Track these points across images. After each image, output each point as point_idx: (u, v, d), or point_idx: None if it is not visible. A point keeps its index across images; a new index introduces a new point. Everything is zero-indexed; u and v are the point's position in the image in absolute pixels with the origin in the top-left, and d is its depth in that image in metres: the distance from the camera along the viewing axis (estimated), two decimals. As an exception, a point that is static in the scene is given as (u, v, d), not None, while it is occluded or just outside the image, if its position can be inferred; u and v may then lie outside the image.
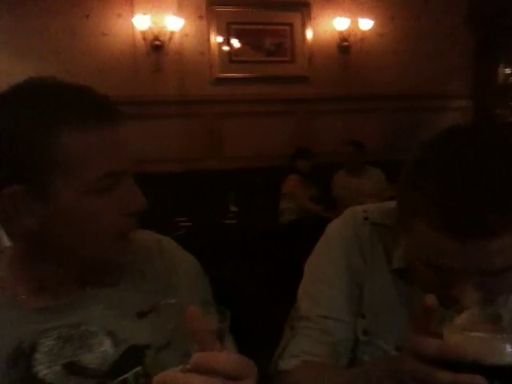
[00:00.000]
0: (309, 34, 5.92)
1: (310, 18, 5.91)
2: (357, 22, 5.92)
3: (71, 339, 0.83)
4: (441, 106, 5.95)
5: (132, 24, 5.42)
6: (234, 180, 5.57)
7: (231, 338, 0.91)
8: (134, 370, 0.84)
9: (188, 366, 0.59)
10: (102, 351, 0.84)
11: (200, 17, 5.66)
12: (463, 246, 0.73)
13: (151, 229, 1.00)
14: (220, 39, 5.73)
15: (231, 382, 0.58)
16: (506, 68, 6.08)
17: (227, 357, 0.60)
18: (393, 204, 0.96)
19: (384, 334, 0.93)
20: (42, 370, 0.81)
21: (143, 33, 5.38)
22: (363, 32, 5.94)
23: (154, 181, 5.49)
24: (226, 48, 5.76)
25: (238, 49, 5.81)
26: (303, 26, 5.90)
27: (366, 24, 5.92)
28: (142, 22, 5.36)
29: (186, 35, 5.62)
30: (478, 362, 0.62)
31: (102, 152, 0.80)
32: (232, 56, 5.79)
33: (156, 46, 5.41)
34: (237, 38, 5.78)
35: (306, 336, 0.99)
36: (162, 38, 5.41)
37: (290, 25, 5.90)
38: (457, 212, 0.72)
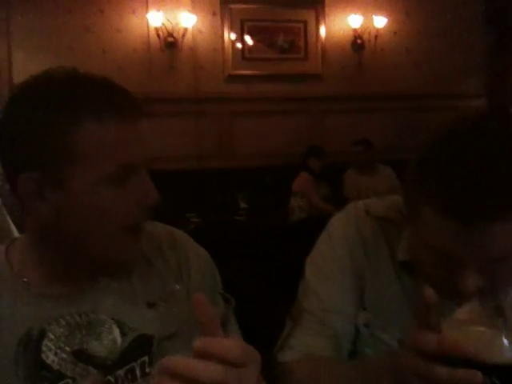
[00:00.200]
0: (322, 31, 5.90)
1: (323, 16, 5.89)
2: (371, 20, 5.89)
3: (80, 327, 0.84)
4: (455, 105, 5.90)
5: (146, 20, 5.45)
6: (245, 178, 5.58)
7: (236, 326, 0.92)
8: (140, 360, 0.85)
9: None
10: (110, 339, 0.85)
11: (214, 13, 5.67)
12: (467, 229, 0.75)
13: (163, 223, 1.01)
14: (233, 36, 5.73)
15: (234, 368, 0.57)
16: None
17: (231, 343, 0.59)
18: (394, 198, 1.00)
19: (386, 326, 0.94)
20: (50, 356, 0.82)
21: (157, 29, 5.40)
22: (377, 29, 5.90)
23: (167, 178, 5.47)
24: (239, 45, 5.76)
25: (252, 46, 5.81)
26: (317, 24, 5.88)
27: (380, 21, 5.89)
28: (156, 19, 5.38)
29: (200, 32, 5.63)
30: (476, 358, 0.62)
31: (120, 144, 0.81)
32: (245, 53, 5.79)
33: (170, 42, 5.43)
34: (250, 35, 5.78)
35: (307, 329, 1.00)
36: (175, 35, 5.43)
37: (304, 22, 5.88)
38: (462, 196, 0.74)
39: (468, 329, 0.65)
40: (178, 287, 0.87)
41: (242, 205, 5.40)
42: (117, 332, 0.85)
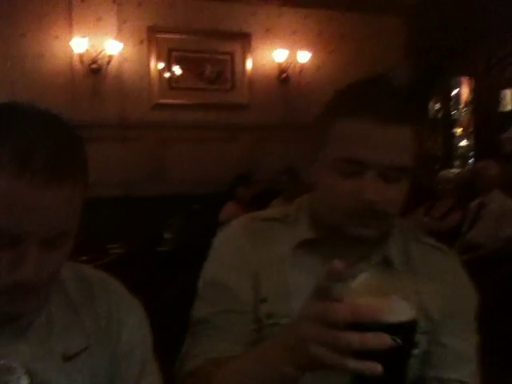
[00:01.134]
0: (249, 63, 6.02)
1: (250, 49, 6.02)
2: (296, 55, 6.08)
3: None
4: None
5: (70, 47, 5.34)
6: (171, 206, 5.51)
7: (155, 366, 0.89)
8: None
9: None
10: None
11: (141, 42, 5.65)
12: (374, 131, 0.88)
13: (80, 255, 0.95)
14: (160, 65, 5.72)
15: None
16: (436, 103, 6.39)
17: None
18: (276, 210, 1.10)
19: (290, 312, 0.94)
20: None
21: (81, 55, 5.30)
22: (302, 64, 6.10)
23: (91, 205, 5.37)
24: (166, 74, 5.76)
25: (179, 76, 5.82)
26: (244, 56, 6.00)
27: (305, 56, 6.09)
28: (80, 45, 5.29)
29: (126, 60, 5.59)
30: (380, 320, 0.65)
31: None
32: (172, 82, 5.79)
33: (94, 69, 5.34)
34: (177, 64, 5.80)
35: (205, 336, 0.99)
36: (100, 62, 5.35)
37: (231, 54, 5.98)
38: (373, 105, 0.89)
39: (367, 296, 0.68)
40: (97, 346, 0.81)
41: (167, 235, 5.32)
42: (25, 383, 0.78)
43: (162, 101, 5.71)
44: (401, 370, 0.69)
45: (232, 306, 0.99)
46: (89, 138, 5.15)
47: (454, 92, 6.13)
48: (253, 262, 1.01)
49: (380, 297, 0.68)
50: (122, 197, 5.46)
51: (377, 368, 0.64)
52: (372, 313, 0.65)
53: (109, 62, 5.38)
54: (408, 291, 0.69)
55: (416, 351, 0.92)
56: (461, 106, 6.08)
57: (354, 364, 0.64)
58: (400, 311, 0.67)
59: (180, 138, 5.77)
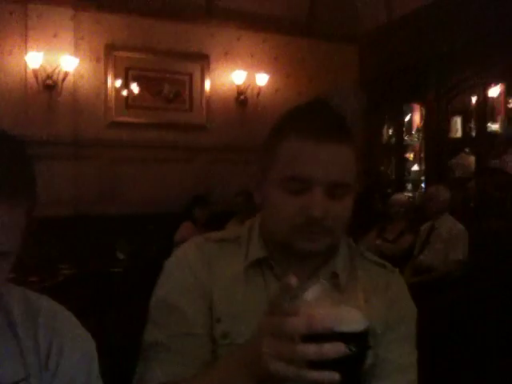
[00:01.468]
0: (207, 84, 6.04)
1: (208, 70, 6.05)
2: (254, 77, 6.14)
3: None
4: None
5: (24, 61, 5.23)
6: (126, 226, 5.42)
7: None
8: None
9: None
10: None
11: (97, 59, 5.59)
12: (317, 148, 0.95)
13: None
14: (117, 83, 5.67)
15: None
16: (389, 129, 6.55)
17: None
18: (231, 229, 1.16)
19: (244, 331, 0.95)
20: None
21: (35, 71, 5.20)
22: (260, 87, 6.17)
23: (43, 224, 5.24)
24: (123, 93, 5.71)
25: (136, 94, 5.78)
26: (202, 77, 6.02)
27: (263, 79, 6.16)
28: (34, 60, 5.19)
29: (82, 77, 5.51)
30: (334, 330, 0.67)
31: None
32: (129, 101, 5.74)
33: (48, 85, 5.24)
34: (135, 83, 5.76)
35: (158, 360, 0.98)
36: (55, 78, 5.26)
37: (189, 74, 5.99)
38: (315, 124, 0.97)
39: (320, 307, 0.70)
40: (35, 378, 0.78)
41: (120, 256, 5.22)
42: None
43: (118, 119, 5.65)
44: (356, 377, 0.71)
45: (185, 328, 0.99)
46: (41, 155, 5.07)
47: (407, 118, 6.31)
48: (205, 283, 1.02)
49: (332, 307, 0.70)
50: (74, 216, 5.34)
51: (334, 377, 0.66)
52: (326, 323, 0.67)
53: (64, 79, 5.29)
54: (359, 301, 0.72)
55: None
56: (413, 132, 6.25)
57: (311, 375, 0.67)
58: (353, 320, 0.70)
59: (136, 158, 5.71)
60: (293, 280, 0.70)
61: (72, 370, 0.83)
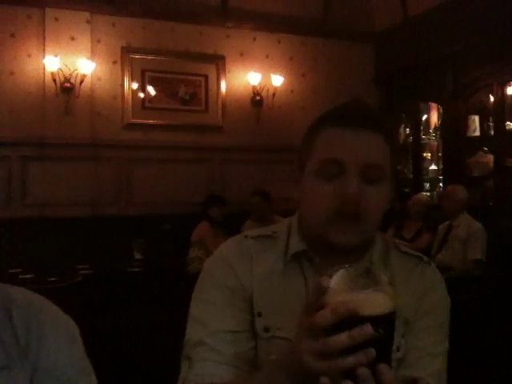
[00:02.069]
0: (223, 85, 6.06)
1: (224, 71, 6.07)
2: (269, 78, 6.15)
3: None
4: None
5: (43, 64, 5.31)
6: (142, 226, 5.46)
7: None
8: None
9: None
10: None
11: (114, 62, 5.64)
12: (352, 134, 0.99)
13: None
14: (134, 85, 5.72)
15: None
16: (406, 128, 6.51)
17: None
18: (265, 228, 1.14)
19: (286, 324, 0.98)
20: None
21: (53, 74, 5.27)
22: (275, 87, 6.17)
23: (62, 225, 5.34)
24: (140, 94, 5.76)
25: (152, 96, 5.82)
26: (218, 78, 6.04)
27: (278, 80, 6.16)
28: (52, 63, 5.26)
29: (99, 79, 5.57)
30: (360, 314, 0.68)
31: None
32: (145, 102, 5.78)
33: (66, 88, 5.31)
34: (151, 85, 5.80)
35: (203, 360, 0.99)
36: (72, 81, 5.32)
37: (205, 76, 6.02)
38: (349, 114, 1.03)
39: (345, 292, 0.71)
40: (17, 365, 0.78)
41: (137, 255, 5.26)
42: None
43: (134, 121, 5.69)
44: (385, 361, 0.71)
45: (226, 326, 1.01)
46: (59, 157, 5.15)
47: (424, 117, 6.26)
48: (246, 280, 1.04)
49: (357, 291, 0.71)
50: (92, 217, 5.40)
51: (370, 353, 0.68)
52: (351, 308, 0.68)
53: (81, 82, 5.35)
54: (383, 284, 0.73)
55: (398, 355, 0.99)
56: (430, 131, 6.20)
57: (347, 361, 0.68)
58: (378, 303, 0.70)
59: (152, 159, 5.75)
60: (326, 281, 0.72)
61: (55, 356, 0.85)
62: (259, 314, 1.02)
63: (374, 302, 0.70)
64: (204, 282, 1.07)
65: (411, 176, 6.40)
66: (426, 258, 1.12)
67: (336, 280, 0.73)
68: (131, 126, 5.68)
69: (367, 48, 6.73)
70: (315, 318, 0.71)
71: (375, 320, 0.69)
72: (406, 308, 1.00)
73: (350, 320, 0.68)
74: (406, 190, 6.11)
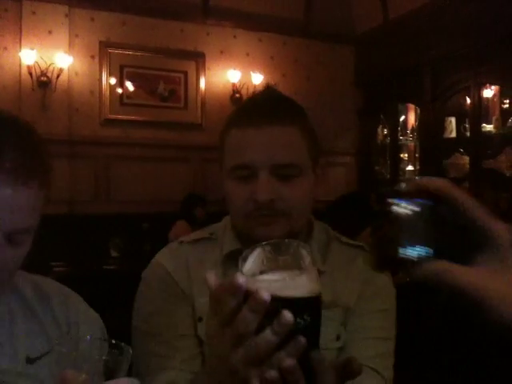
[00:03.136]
0: (202, 82, 6.02)
1: (204, 68, 6.03)
2: (249, 76, 6.13)
3: None
4: (327, 161, 6.25)
5: (19, 58, 5.21)
6: (120, 225, 5.40)
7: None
8: None
9: None
10: None
11: (92, 56, 5.57)
12: (258, 132, 0.97)
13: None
14: (112, 81, 5.65)
15: None
16: (384, 129, 6.56)
17: None
18: (203, 230, 1.14)
19: None
20: None
21: (29, 68, 5.17)
22: (255, 86, 6.15)
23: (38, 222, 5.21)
24: (118, 90, 5.69)
25: (131, 92, 5.76)
26: (197, 75, 6.01)
27: (258, 78, 6.15)
28: (28, 57, 5.16)
29: (76, 74, 5.49)
30: (283, 297, 0.60)
31: None
32: (124, 98, 5.72)
33: (43, 82, 5.22)
34: (130, 81, 5.74)
35: (156, 370, 0.98)
36: (49, 75, 5.23)
37: (184, 73, 5.98)
38: (252, 113, 1.01)
39: (263, 275, 0.63)
40: (63, 349, 0.79)
41: (113, 253, 5.20)
42: None
43: (112, 116, 5.62)
44: (315, 347, 0.64)
45: (176, 331, 1.00)
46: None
47: (402, 118, 6.32)
48: (184, 285, 1.03)
49: (276, 272, 0.63)
50: (68, 214, 5.32)
51: (300, 345, 0.61)
52: (266, 300, 0.60)
53: (58, 76, 5.27)
54: (306, 262, 0.64)
55: (338, 344, 0.97)
56: (408, 132, 6.26)
57: (280, 360, 0.61)
58: (301, 285, 0.62)
59: (130, 156, 5.69)
60: (240, 279, 0.63)
61: (88, 343, 0.87)
62: (199, 319, 1.00)
63: (297, 285, 0.62)
64: (145, 293, 1.06)
65: (388, 176, 6.45)
66: (365, 247, 1.10)
67: (252, 259, 0.65)
68: (109, 122, 5.61)
69: (348, 50, 6.76)
70: (237, 326, 0.62)
71: (297, 306, 0.61)
72: (348, 295, 1.00)
73: (271, 311, 0.60)
74: (384, 190, 6.15)
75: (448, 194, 0.56)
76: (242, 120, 1.01)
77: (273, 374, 0.61)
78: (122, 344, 0.66)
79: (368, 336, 1.01)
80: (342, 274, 1.03)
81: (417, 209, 0.56)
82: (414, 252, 0.54)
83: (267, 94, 1.10)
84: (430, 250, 0.55)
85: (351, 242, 1.13)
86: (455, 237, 0.56)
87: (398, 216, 0.56)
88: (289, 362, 0.60)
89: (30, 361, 0.82)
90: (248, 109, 1.05)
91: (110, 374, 0.65)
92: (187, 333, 1.00)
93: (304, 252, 0.65)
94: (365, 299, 1.03)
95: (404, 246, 0.55)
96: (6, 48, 5.24)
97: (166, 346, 0.98)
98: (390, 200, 0.56)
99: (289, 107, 1.05)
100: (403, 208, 0.56)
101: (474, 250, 0.56)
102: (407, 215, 0.55)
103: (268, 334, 0.61)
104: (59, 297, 0.94)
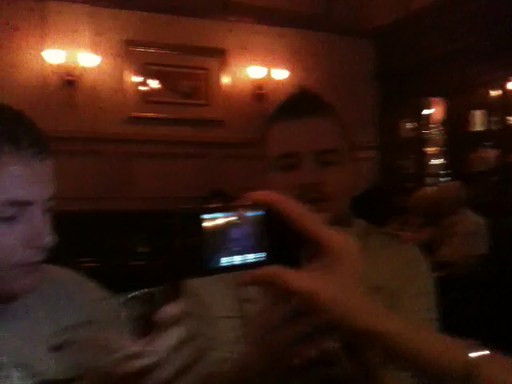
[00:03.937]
0: (224, 79, 6.03)
1: (225, 64, 6.04)
2: (271, 72, 6.12)
3: None
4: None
5: (44, 58, 5.28)
6: (144, 221, 5.45)
7: None
8: None
9: None
10: None
11: (116, 55, 5.62)
12: (299, 122, 1.05)
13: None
14: (136, 79, 5.70)
15: None
16: (407, 123, 6.49)
17: None
18: None
19: None
20: None
21: (54, 67, 5.24)
22: (277, 81, 6.14)
23: (62, 219, 5.30)
24: (141, 88, 5.73)
25: (154, 89, 5.80)
26: (219, 72, 6.02)
27: (280, 74, 6.13)
28: (54, 56, 5.24)
29: (101, 72, 5.55)
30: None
31: (5, 181, 0.80)
32: (147, 96, 5.76)
33: (68, 81, 5.29)
34: (153, 78, 5.78)
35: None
36: (74, 74, 5.29)
37: (207, 69, 5.99)
38: (291, 107, 1.09)
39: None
40: (84, 333, 0.82)
41: (140, 249, 5.25)
42: (16, 376, 0.80)
43: (136, 114, 5.67)
44: None
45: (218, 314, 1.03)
46: (61, 150, 5.10)
47: (427, 112, 6.24)
48: None
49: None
50: (94, 211, 5.38)
51: None
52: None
53: (83, 75, 5.33)
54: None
55: None
56: (433, 126, 6.19)
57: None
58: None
59: (153, 153, 5.73)
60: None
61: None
62: (247, 300, 1.03)
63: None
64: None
65: (413, 171, 6.38)
66: (403, 238, 1.16)
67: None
68: (133, 120, 5.66)
69: (369, 43, 6.69)
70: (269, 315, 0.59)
71: None
72: (390, 279, 1.03)
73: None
74: (408, 184, 6.09)
75: (276, 205, 0.57)
76: (284, 113, 1.08)
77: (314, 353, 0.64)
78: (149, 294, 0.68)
79: (415, 318, 1.02)
80: (383, 260, 1.05)
81: (243, 219, 0.57)
82: (244, 258, 0.55)
83: (302, 91, 1.19)
84: (262, 257, 0.56)
85: (389, 232, 1.20)
86: (289, 245, 0.58)
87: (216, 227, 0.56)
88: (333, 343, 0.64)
89: (56, 348, 0.84)
90: (288, 104, 1.12)
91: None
92: (231, 314, 1.02)
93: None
94: (407, 282, 1.06)
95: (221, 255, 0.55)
96: (31, 47, 5.31)
97: (209, 327, 1.00)
98: (205, 216, 0.55)
99: (323, 101, 1.15)
100: (231, 219, 0.57)
101: (310, 258, 0.57)
102: (235, 225, 0.56)
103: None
104: (77, 285, 0.97)
